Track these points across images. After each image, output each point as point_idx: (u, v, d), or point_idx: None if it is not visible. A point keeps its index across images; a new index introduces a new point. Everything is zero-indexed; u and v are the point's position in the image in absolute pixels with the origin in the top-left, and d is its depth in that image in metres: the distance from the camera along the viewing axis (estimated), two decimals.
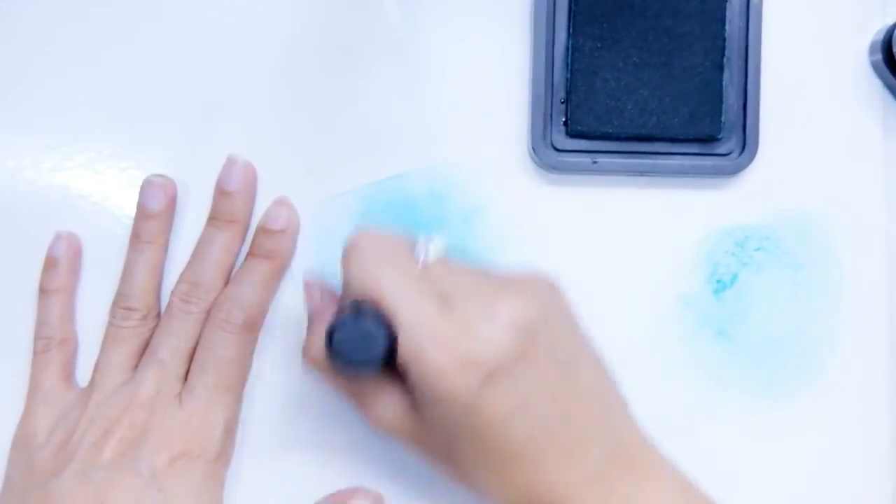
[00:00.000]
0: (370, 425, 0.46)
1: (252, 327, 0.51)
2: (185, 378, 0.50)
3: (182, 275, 0.51)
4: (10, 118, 0.53)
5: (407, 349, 0.42)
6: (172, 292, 0.51)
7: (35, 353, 0.52)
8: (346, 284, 0.45)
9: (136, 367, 0.51)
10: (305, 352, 0.46)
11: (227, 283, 0.51)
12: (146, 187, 0.52)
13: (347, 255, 0.45)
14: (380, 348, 0.42)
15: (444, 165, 0.53)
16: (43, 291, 0.52)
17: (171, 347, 0.50)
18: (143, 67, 0.53)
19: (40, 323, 0.52)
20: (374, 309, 0.43)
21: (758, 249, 0.53)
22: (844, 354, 0.53)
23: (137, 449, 0.49)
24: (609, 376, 0.47)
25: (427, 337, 0.42)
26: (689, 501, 0.46)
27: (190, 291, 0.51)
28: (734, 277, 0.53)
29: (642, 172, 0.52)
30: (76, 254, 0.52)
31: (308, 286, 0.49)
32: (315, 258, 0.53)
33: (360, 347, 0.42)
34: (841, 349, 0.53)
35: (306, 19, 0.53)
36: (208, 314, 0.51)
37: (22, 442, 0.51)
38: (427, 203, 0.53)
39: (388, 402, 0.45)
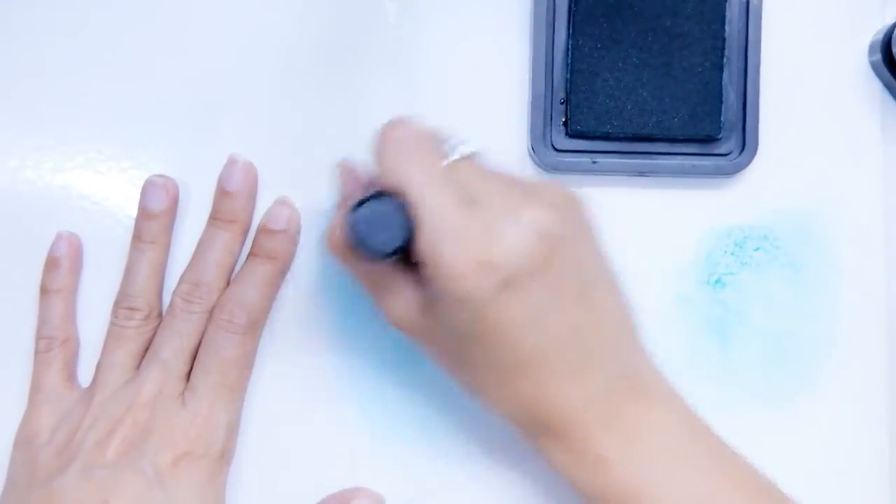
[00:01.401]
0: (385, 319, 0.45)
1: (254, 327, 0.51)
2: (188, 378, 0.50)
3: (183, 275, 0.51)
4: (11, 118, 0.53)
5: (425, 243, 0.41)
6: (174, 292, 0.51)
7: (37, 352, 0.52)
8: (375, 173, 0.44)
9: (138, 366, 0.51)
10: (328, 235, 0.45)
11: (228, 282, 0.52)
12: (148, 187, 0.52)
13: (378, 145, 0.43)
14: (398, 235, 0.41)
15: None
16: (44, 291, 0.52)
17: (174, 347, 0.50)
18: (143, 67, 0.53)
19: (42, 323, 0.52)
20: (399, 198, 0.42)
21: (757, 249, 0.53)
22: (843, 354, 0.53)
23: (141, 448, 0.49)
24: (625, 303, 0.45)
25: (447, 234, 0.41)
26: (694, 434, 0.45)
27: (192, 291, 0.51)
28: (733, 277, 0.53)
29: (642, 172, 0.52)
30: (77, 253, 0.52)
31: (341, 168, 0.47)
32: (316, 258, 0.53)
33: (379, 231, 0.41)
34: (840, 349, 0.53)
35: (307, 19, 0.53)
36: (210, 314, 0.51)
37: (25, 441, 0.51)
38: None
39: (403, 296, 0.44)
